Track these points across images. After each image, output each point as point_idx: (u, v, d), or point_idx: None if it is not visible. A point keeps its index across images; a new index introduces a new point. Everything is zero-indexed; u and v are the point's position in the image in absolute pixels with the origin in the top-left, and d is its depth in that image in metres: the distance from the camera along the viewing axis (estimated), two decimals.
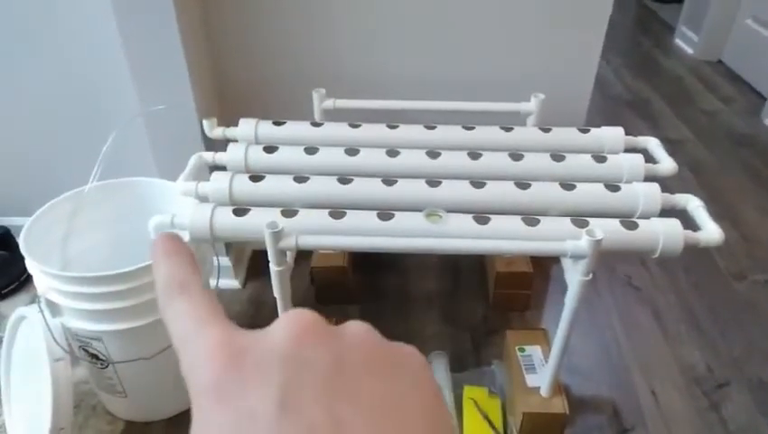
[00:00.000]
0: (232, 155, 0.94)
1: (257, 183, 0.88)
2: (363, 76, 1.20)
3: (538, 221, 0.81)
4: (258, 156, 0.94)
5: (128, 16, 0.99)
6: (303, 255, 1.20)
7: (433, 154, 0.93)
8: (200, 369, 0.18)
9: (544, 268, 1.34)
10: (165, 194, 1.04)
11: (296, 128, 1.00)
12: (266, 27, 1.15)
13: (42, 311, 0.90)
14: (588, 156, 0.94)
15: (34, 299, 0.91)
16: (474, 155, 0.93)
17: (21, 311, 0.95)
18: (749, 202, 1.64)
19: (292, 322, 0.19)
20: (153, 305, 0.86)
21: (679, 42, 2.71)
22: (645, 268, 1.41)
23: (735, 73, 2.41)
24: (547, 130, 1.00)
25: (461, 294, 1.34)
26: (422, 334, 1.23)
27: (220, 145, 0.98)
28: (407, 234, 0.80)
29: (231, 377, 0.17)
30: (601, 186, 0.88)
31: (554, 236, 0.80)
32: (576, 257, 0.79)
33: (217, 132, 1.01)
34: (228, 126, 1.01)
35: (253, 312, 1.28)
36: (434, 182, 0.87)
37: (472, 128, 1.00)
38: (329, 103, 1.10)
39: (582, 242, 0.77)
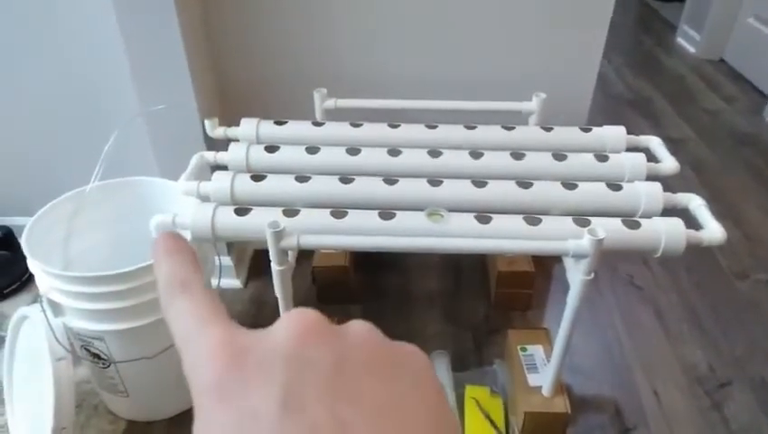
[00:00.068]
0: (234, 154, 0.94)
1: (259, 183, 0.88)
2: (364, 76, 1.20)
3: (540, 221, 0.81)
4: (260, 156, 0.93)
5: (129, 16, 0.99)
6: (304, 254, 1.20)
7: (434, 153, 0.93)
8: (202, 368, 0.18)
9: (546, 267, 1.34)
10: (167, 194, 1.04)
11: (298, 128, 1.00)
12: (267, 27, 1.15)
13: (43, 311, 0.90)
14: (590, 156, 0.93)
15: (36, 299, 0.91)
16: (476, 155, 0.93)
17: (23, 311, 0.95)
18: (751, 201, 1.64)
19: (294, 321, 0.19)
20: (154, 304, 0.86)
21: (680, 40, 2.71)
22: (647, 268, 1.41)
23: (737, 72, 2.40)
24: (548, 129, 1.00)
25: (462, 293, 1.34)
26: (423, 334, 1.23)
27: (221, 144, 0.98)
28: (409, 234, 0.80)
29: (233, 376, 0.17)
30: (603, 185, 0.87)
31: (556, 235, 0.80)
32: (578, 256, 0.79)
33: (218, 132, 1.01)
34: (229, 125, 1.01)
35: (255, 311, 1.28)
36: (435, 181, 0.87)
37: (474, 128, 1.00)
38: (330, 103, 1.10)
39: (584, 241, 0.77)
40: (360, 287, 1.31)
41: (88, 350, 0.94)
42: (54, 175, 1.23)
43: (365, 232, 0.80)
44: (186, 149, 0.97)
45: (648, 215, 0.84)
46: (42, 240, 0.95)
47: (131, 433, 1.05)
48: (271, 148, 0.94)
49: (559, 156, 0.93)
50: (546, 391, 0.98)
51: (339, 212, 0.82)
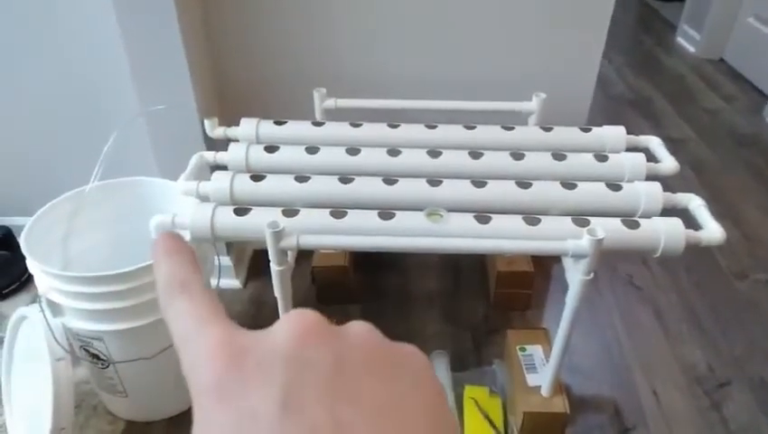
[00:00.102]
0: (233, 154, 0.94)
1: (258, 183, 0.88)
2: (364, 76, 1.20)
3: (540, 221, 0.81)
4: (259, 156, 0.93)
5: (129, 16, 0.99)
6: (304, 255, 1.20)
7: (434, 153, 0.93)
8: (201, 368, 0.18)
9: (545, 267, 1.34)
10: (166, 194, 1.04)
11: (297, 128, 1.00)
12: (267, 27, 1.15)
13: (42, 311, 0.90)
14: (590, 156, 0.94)
15: (35, 299, 0.91)
16: (475, 155, 0.93)
17: (22, 311, 0.95)
18: (751, 201, 1.64)
19: (294, 322, 0.19)
20: (153, 304, 0.86)
21: (680, 40, 2.71)
22: (647, 268, 1.41)
23: (736, 72, 2.40)
24: (548, 129, 1.00)
25: (462, 293, 1.34)
26: (423, 334, 1.23)
27: (221, 144, 0.98)
28: (408, 234, 0.80)
29: (233, 377, 0.17)
30: (602, 185, 0.87)
31: (555, 235, 0.80)
32: (578, 256, 0.79)
33: (218, 132, 1.01)
34: (229, 125, 1.01)
35: (254, 312, 1.28)
36: (435, 181, 0.87)
37: (474, 128, 1.00)
38: (330, 103, 1.10)
39: (583, 241, 0.77)
40: (359, 287, 1.31)
41: (87, 350, 0.94)
42: (54, 175, 1.23)
43: (364, 232, 0.80)
44: (186, 149, 0.97)
45: (647, 215, 0.84)
46: (42, 240, 0.95)
47: (130, 433, 1.05)
48: (271, 148, 0.94)
49: (559, 156, 0.93)
50: (545, 391, 0.98)
51: (338, 212, 0.82)
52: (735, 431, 1.05)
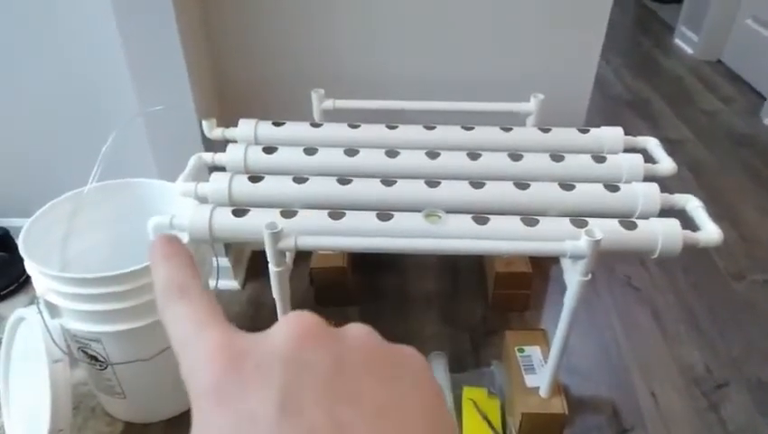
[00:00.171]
0: (231, 155, 0.94)
1: (257, 184, 0.88)
2: (363, 76, 1.20)
3: (538, 222, 0.81)
4: (258, 157, 0.93)
5: (128, 16, 0.99)
6: (302, 256, 1.20)
7: (432, 154, 0.93)
8: (200, 371, 0.18)
9: (543, 268, 1.34)
10: (165, 195, 1.04)
11: (296, 129, 1.00)
12: (266, 27, 1.15)
13: (40, 312, 0.89)
14: (587, 157, 0.94)
15: (33, 300, 0.91)
16: (474, 156, 0.93)
17: (20, 312, 0.95)
18: (748, 202, 1.64)
19: (292, 324, 0.19)
20: (152, 306, 0.85)
21: (678, 42, 2.71)
22: (644, 269, 1.41)
23: (734, 73, 2.41)
24: (546, 130, 1.01)
25: (460, 294, 1.34)
26: (421, 335, 1.23)
27: (219, 145, 0.98)
28: (407, 235, 0.80)
29: (231, 379, 0.17)
30: (600, 186, 0.88)
31: (553, 236, 0.80)
32: (576, 257, 0.79)
33: (216, 133, 1.01)
34: (227, 126, 1.01)
35: (252, 313, 1.28)
36: (433, 182, 0.87)
37: (472, 129, 1.00)
38: (328, 103, 1.10)
39: (581, 242, 0.77)
40: (357, 288, 1.31)
41: (85, 352, 0.94)
42: (53, 176, 1.23)
43: (363, 233, 0.80)
44: (184, 150, 0.97)
45: (645, 216, 0.85)
46: (40, 242, 0.95)
47: None
48: (269, 149, 0.94)
49: (557, 157, 0.93)
50: (543, 392, 0.98)
51: (337, 213, 0.82)
52: (733, 432, 1.05)
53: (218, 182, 0.87)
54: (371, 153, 0.93)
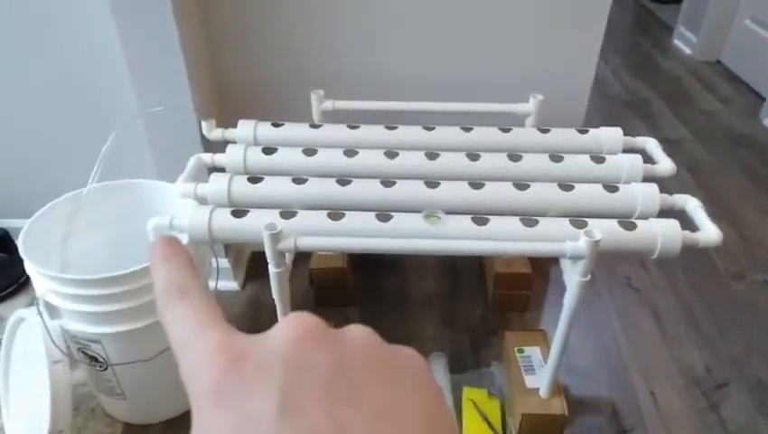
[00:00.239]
0: (231, 156, 0.94)
1: (256, 185, 0.88)
2: (363, 76, 1.20)
3: (537, 222, 0.81)
4: (257, 158, 0.94)
5: (127, 17, 0.99)
6: (302, 256, 1.20)
7: (431, 155, 0.93)
8: (199, 372, 0.18)
9: (543, 268, 1.34)
10: (164, 196, 1.04)
11: (295, 130, 1.00)
12: (266, 27, 1.15)
13: (40, 313, 0.89)
14: (587, 157, 0.94)
15: (33, 301, 0.91)
16: (473, 156, 0.93)
17: (19, 313, 0.95)
18: (748, 202, 1.64)
19: (292, 325, 0.19)
20: (151, 307, 0.86)
21: (677, 42, 2.71)
22: (644, 269, 1.41)
23: (733, 73, 2.41)
24: (545, 131, 1.01)
25: (460, 295, 1.34)
26: (421, 336, 1.23)
27: (218, 146, 0.98)
28: (406, 235, 0.80)
29: (231, 380, 0.17)
30: (599, 187, 0.88)
31: (552, 237, 0.80)
32: (575, 257, 0.79)
33: (216, 133, 1.01)
34: (227, 127, 1.01)
35: (252, 314, 1.28)
36: (432, 183, 0.87)
37: (471, 129, 1.00)
38: (328, 104, 1.10)
39: (580, 243, 0.77)
40: (357, 289, 1.31)
41: (85, 353, 0.94)
42: (52, 176, 1.23)
43: (362, 234, 0.80)
44: (184, 151, 0.97)
45: (644, 217, 0.85)
46: (40, 242, 0.95)
47: None
48: (268, 150, 0.94)
49: (556, 158, 0.93)
50: (543, 393, 0.98)
51: (336, 213, 0.82)
52: (733, 432, 1.05)
53: (217, 182, 0.87)
54: (371, 154, 0.93)
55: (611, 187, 0.87)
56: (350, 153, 0.93)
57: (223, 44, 1.17)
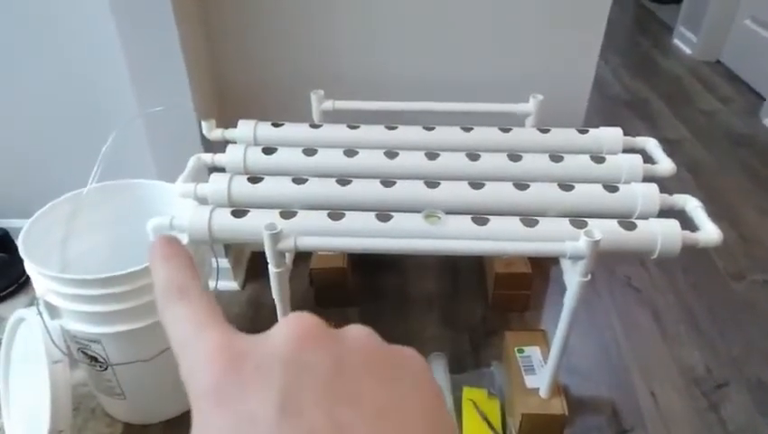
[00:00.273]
0: (231, 156, 0.94)
1: (256, 185, 0.88)
2: (363, 76, 1.20)
3: (537, 222, 0.81)
4: (257, 158, 0.94)
5: (127, 17, 0.99)
6: (302, 256, 1.20)
7: (431, 155, 0.93)
8: (199, 372, 0.18)
9: (543, 268, 1.34)
10: (164, 196, 1.04)
11: (295, 130, 1.00)
12: (266, 27, 1.15)
13: (40, 313, 0.89)
14: (587, 157, 0.94)
15: (33, 301, 0.91)
16: (473, 156, 0.93)
17: (19, 313, 0.95)
18: (748, 202, 1.64)
19: (292, 325, 0.19)
20: (152, 307, 0.86)
21: (677, 42, 2.71)
22: (644, 269, 1.41)
23: (733, 73, 2.41)
24: (545, 131, 1.01)
25: (460, 295, 1.34)
26: (421, 336, 1.23)
27: (218, 146, 0.98)
28: (406, 235, 0.80)
29: (231, 380, 0.17)
30: (599, 187, 0.88)
31: (552, 237, 0.80)
32: (575, 257, 0.79)
33: (216, 133, 1.01)
34: (227, 127, 1.01)
35: (252, 314, 1.28)
36: (432, 183, 0.87)
37: (471, 129, 1.00)
38: (328, 104, 1.10)
39: (580, 243, 0.77)
40: (357, 288, 1.31)
41: (85, 353, 0.94)
42: (52, 176, 1.23)
43: (362, 234, 0.80)
44: (184, 151, 0.97)
45: (644, 217, 0.85)
46: (40, 242, 0.95)
47: None
48: (268, 150, 0.94)
49: (556, 158, 0.93)
50: (543, 393, 0.98)
51: (336, 213, 0.82)
52: (733, 432, 1.05)
53: (217, 183, 0.87)
54: (371, 153, 0.93)
55: (611, 187, 0.87)
56: (350, 153, 0.93)
57: (223, 45, 1.17)
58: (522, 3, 1.12)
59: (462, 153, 0.94)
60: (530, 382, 1.01)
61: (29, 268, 0.88)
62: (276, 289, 0.84)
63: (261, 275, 1.32)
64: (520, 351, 1.05)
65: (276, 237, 0.77)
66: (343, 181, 0.88)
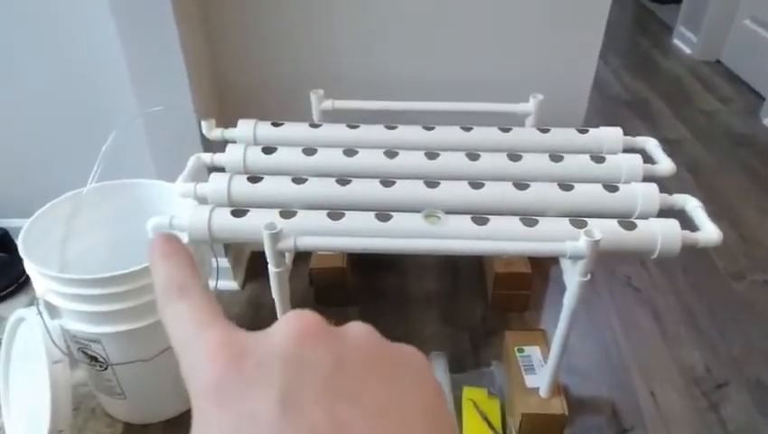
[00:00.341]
0: (231, 156, 0.94)
1: (256, 185, 0.88)
2: (363, 76, 1.20)
3: (537, 222, 0.81)
4: (257, 157, 0.93)
5: (127, 17, 0.99)
6: (301, 256, 1.20)
7: (431, 155, 0.93)
8: (200, 370, 0.18)
9: (543, 268, 1.34)
10: (164, 196, 1.04)
11: (295, 129, 1.00)
12: (266, 27, 1.15)
13: (40, 313, 0.89)
14: (587, 157, 0.94)
15: (33, 301, 0.91)
16: (473, 156, 0.93)
17: (19, 313, 0.95)
18: (747, 202, 1.64)
19: (293, 323, 0.19)
20: (152, 306, 0.86)
21: (677, 42, 2.71)
22: (644, 269, 1.41)
23: (733, 73, 2.41)
24: (545, 131, 1.01)
25: (460, 294, 1.34)
26: (421, 335, 1.23)
27: (218, 146, 0.98)
28: (406, 235, 0.80)
29: (232, 378, 0.17)
30: (599, 187, 0.88)
31: (552, 237, 0.80)
32: (575, 257, 0.79)
33: (215, 133, 1.01)
34: (226, 127, 1.01)
35: (252, 313, 1.28)
36: (432, 183, 0.87)
37: (471, 129, 1.00)
38: (327, 104, 1.10)
39: (580, 243, 0.77)
40: (357, 288, 1.31)
41: (85, 352, 0.94)
42: (52, 176, 1.23)
43: (362, 234, 0.80)
44: (183, 151, 0.97)
45: (644, 216, 0.85)
46: (40, 242, 0.95)
47: None
48: (268, 150, 0.94)
49: (556, 158, 0.93)
50: (543, 393, 0.98)
51: (336, 213, 0.82)
52: (733, 432, 1.05)
53: (217, 182, 0.87)
54: (370, 153, 0.93)
55: (611, 187, 0.87)
56: (349, 152, 0.93)
57: (223, 45, 1.17)
58: (522, 3, 1.12)
59: (462, 153, 0.94)
60: (530, 381, 1.01)
61: (29, 267, 0.88)
62: (276, 289, 0.84)
63: (261, 275, 1.32)
64: (520, 350, 1.05)
65: (276, 237, 0.77)
66: (343, 181, 0.88)
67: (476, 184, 0.87)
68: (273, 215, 0.81)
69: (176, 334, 0.20)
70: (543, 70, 1.19)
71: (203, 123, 1.01)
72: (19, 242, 0.89)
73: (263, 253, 0.79)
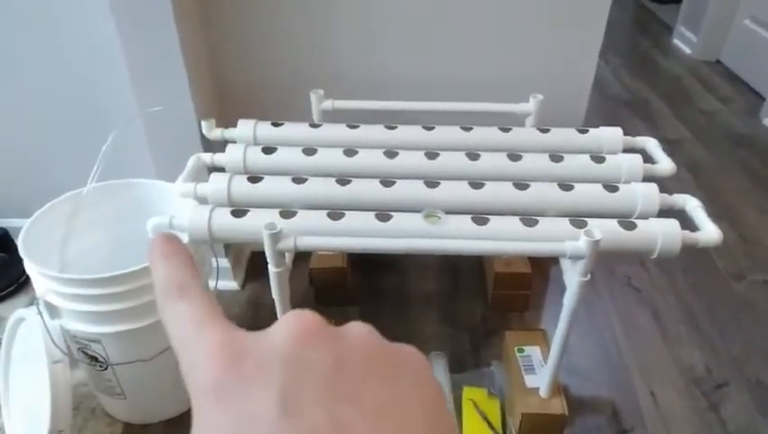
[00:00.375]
0: (231, 156, 0.94)
1: (256, 185, 0.88)
2: (363, 76, 1.20)
3: (537, 222, 0.81)
4: (257, 157, 0.93)
5: (127, 17, 0.99)
6: (301, 256, 1.20)
7: (431, 154, 0.93)
8: (200, 370, 0.18)
9: (543, 268, 1.34)
10: (164, 196, 1.04)
11: (295, 129, 1.00)
12: (266, 27, 1.15)
13: (40, 313, 0.89)
14: (586, 157, 0.94)
15: (33, 301, 0.91)
16: (473, 156, 0.93)
17: (19, 313, 0.95)
18: (748, 202, 1.64)
19: (293, 323, 0.19)
20: (152, 306, 0.86)
21: (677, 42, 2.71)
22: (644, 269, 1.41)
23: (733, 73, 2.41)
24: (545, 131, 1.01)
25: (460, 294, 1.34)
26: (421, 335, 1.23)
27: (218, 146, 0.98)
28: (406, 235, 0.80)
29: (232, 378, 0.17)
30: (599, 187, 0.88)
31: (552, 237, 0.80)
32: (575, 257, 0.79)
33: (215, 133, 1.01)
34: (226, 127, 1.01)
35: (252, 313, 1.28)
36: (432, 183, 0.87)
37: (471, 129, 1.00)
38: (327, 104, 1.10)
39: (580, 243, 0.77)
40: (357, 288, 1.31)
41: (85, 352, 0.94)
42: (52, 176, 1.23)
43: (362, 234, 0.80)
44: (183, 151, 0.97)
45: (644, 216, 0.85)
46: (40, 242, 0.95)
47: None
48: (268, 150, 0.94)
49: (556, 158, 0.93)
50: (543, 393, 0.98)
51: (336, 213, 0.82)
52: (733, 432, 1.05)
53: (217, 182, 0.87)
54: (370, 153, 0.93)
55: (611, 187, 0.87)
56: (349, 152, 0.93)
57: (223, 45, 1.17)
58: (522, 3, 1.12)
59: (461, 152, 0.94)
60: (530, 381, 1.01)
61: (29, 267, 0.88)
62: (276, 289, 0.84)
63: (261, 275, 1.32)
64: (520, 350, 1.05)
65: (276, 237, 0.77)
66: (343, 180, 0.88)
67: (476, 184, 0.87)
68: (273, 215, 0.81)
69: (176, 333, 0.20)
70: (543, 70, 1.19)
71: (203, 123, 1.01)
72: (19, 242, 0.89)
73: (263, 253, 0.79)
